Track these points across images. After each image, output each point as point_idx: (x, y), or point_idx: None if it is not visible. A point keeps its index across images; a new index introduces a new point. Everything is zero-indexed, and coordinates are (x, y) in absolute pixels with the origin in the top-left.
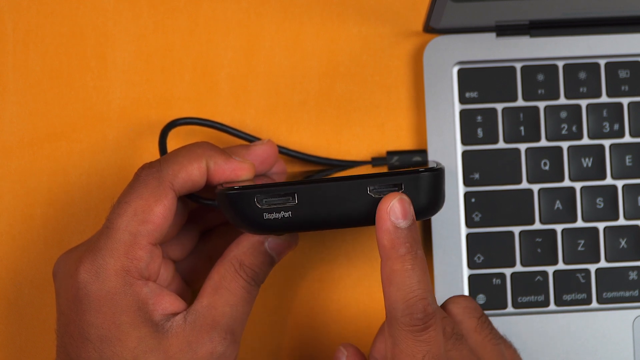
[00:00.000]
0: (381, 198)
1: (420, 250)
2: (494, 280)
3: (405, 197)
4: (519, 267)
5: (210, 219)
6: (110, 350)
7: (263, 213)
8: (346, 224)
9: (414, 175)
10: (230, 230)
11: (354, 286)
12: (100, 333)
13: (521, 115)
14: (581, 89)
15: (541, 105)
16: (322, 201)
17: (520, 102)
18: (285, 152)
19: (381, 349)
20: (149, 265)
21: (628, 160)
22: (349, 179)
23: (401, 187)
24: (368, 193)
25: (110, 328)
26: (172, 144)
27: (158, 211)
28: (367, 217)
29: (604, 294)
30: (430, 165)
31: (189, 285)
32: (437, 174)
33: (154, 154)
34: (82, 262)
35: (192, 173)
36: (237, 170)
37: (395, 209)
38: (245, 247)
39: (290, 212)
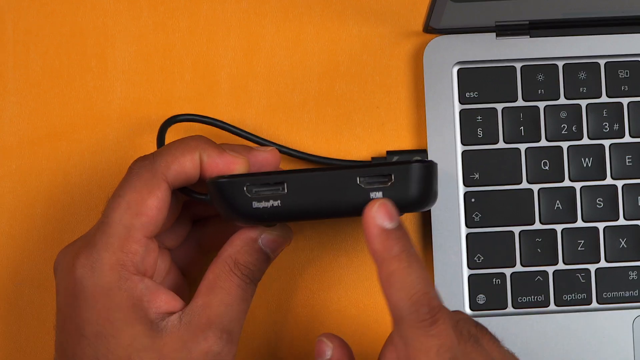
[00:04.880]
0: (370, 189)
1: (413, 248)
2: (494, 280)
3: (387, 200)
4: (519, 267)
5: (203, 208)
6: (105, 347)
7: (252, 202)
8: (335, 215)
9: (404, 167)
10: (223, 220)
11: (354, 286)
12: (95, 329)
13: (521, 115)
14: (581, 89)
15: (541, 105)
16: (312, 191)
17: (520, 102)
18: (286, 152)
19: (391, 358)
20: (145, 259)
21: (628, 160)
22: (338, 169)
23: (391, 178)
24: (358, 184)
25: (104, 324)
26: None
27: (151, 203)
28: (356, 208)
29: (604, 294)
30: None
31: (184, 275)
32: (427, 166)
33: None
34: (79, 257)
35: (185, 165)
36: (230, 164)
37: (380, 213)
38: (239, 246)
39: (279, 201)
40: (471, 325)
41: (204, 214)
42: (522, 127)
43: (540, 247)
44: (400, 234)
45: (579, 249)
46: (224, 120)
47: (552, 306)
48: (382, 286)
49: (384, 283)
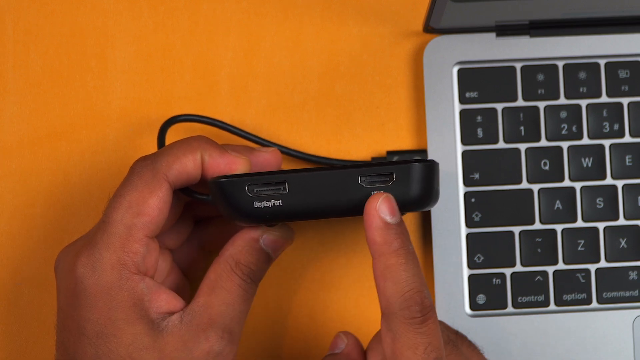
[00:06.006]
0: (372, 189)
1: (411, 245)
2: (494, 280)
3: (391, 195)
4: (519, 267)
5: (204, 208)
6: (106, 346)
7: (254, 201)
8: (336, 214)
9: (405, 166)
10: (225, 220)
11: (354, 286)
12: (96, 328)
13: (521, 115)
14: (581, 89)
15: (541, 105)
16: (313, 190)
17: (520, 102)
18: (286, 152)
19: (377, 355)
20: (146, 258)
21: (628, 160)
22: (340, 169)
23: (392, 177)
24: (359, 183)
25: (105, 324)
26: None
27: (152, 203)
28: (357, 207)
29: (604, 294)
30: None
31: (185, 275)
32: (429, 165)
33: None
34: (80, 256)
35: (186, 165)
36: (231, 164)
37: (383, 207)
38: (241, 246)
39: (281, 201)
40: (451, 332)
41: (206, 214)
42: (522, 127)
43: (540, 247)
44: (401, 229)
45: (579, 249)
46: (224, 120)
47: (552, 306)
48: (376, 279)
49: (378, 276)
